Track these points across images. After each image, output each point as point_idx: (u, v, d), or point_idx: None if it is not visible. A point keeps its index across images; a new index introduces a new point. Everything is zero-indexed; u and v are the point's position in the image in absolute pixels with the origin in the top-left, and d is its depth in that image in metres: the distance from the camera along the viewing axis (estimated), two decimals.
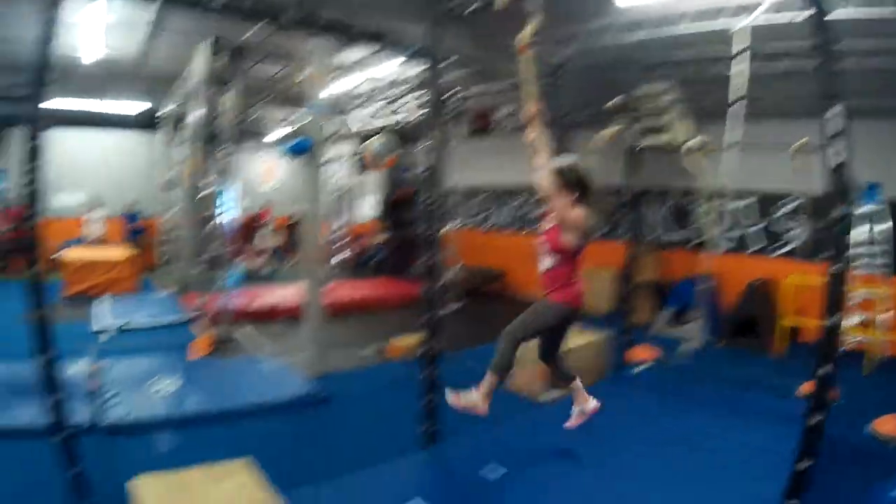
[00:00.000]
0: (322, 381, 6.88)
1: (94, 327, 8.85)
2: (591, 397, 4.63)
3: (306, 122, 7.47)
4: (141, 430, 5.30)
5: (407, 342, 8.19)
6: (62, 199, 15.59)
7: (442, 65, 5.02)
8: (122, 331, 8.72)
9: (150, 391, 6.13)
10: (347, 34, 5.42)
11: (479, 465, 4.68)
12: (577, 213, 3.98)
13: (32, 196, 3.43)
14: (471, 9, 4.85)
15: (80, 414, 4.86)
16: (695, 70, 9.25)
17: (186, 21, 10.40)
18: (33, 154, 3.48)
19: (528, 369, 6.43)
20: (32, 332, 3.44)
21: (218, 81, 8.88)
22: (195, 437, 5.27)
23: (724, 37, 7.01)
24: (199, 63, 8.81)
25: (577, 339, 6.85)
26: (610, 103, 6.67)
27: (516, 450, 5.08)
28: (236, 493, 3.50)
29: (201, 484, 3.56)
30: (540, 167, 4.17)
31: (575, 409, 4.64)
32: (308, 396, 6.39)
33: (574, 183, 4.03)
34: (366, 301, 11.85)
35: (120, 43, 11.64)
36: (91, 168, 16.77)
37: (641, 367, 7.50)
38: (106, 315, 9.50)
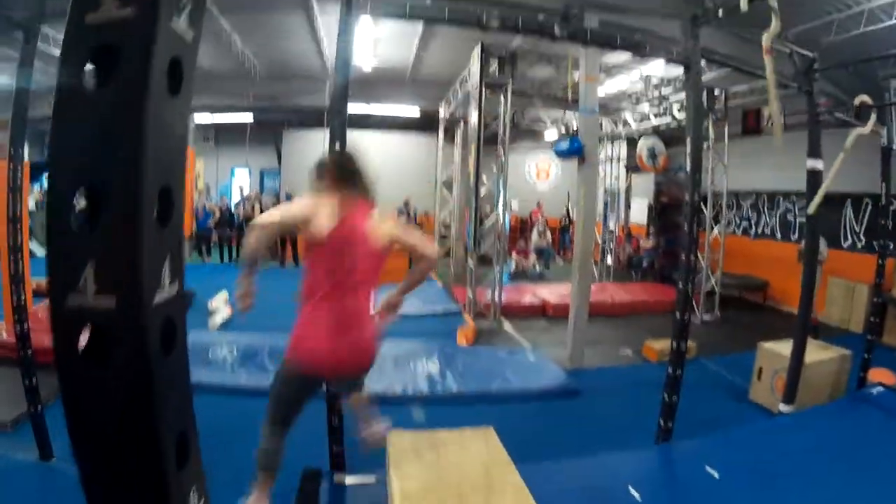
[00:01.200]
0: (576, 375, 7.08)
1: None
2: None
3: (580, 124, 7.61)
4: (403, 401, 5.86)
5: (663, 345, 7.99)
6: None
7: (700, 65, 4.85)
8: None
9: (416, 370, 6.72)
10: (611, 45, 5.40)
11: (703, 465, 4.53)
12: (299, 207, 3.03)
13: None
14: (723, 10, 4.63)
15: None
16: None
17: (454, 31, 11.16)
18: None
19: (763, 382, 6.41)
20: None
21: (491, 85, 9.31)
22: (450, 414, 5.62)
23: None
24: (474, 68, 9.26)
25: (817, 354, 6.34)
26: (856, 100, 6.00)
27: (742, 457, 4.78)
28: (478, 453, 3.78)
29: (448, 443, 3.87)
30: None
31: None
32: (560, 388, 6.56)
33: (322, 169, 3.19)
34: (630, 304, 11.71)
35: (392, 53, 12.73)
36: (370, 167, 18.11)
37: (881, 389, 6.66)
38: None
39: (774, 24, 3.78)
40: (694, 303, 10.87)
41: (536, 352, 7.79)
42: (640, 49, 5.78)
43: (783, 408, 5.87)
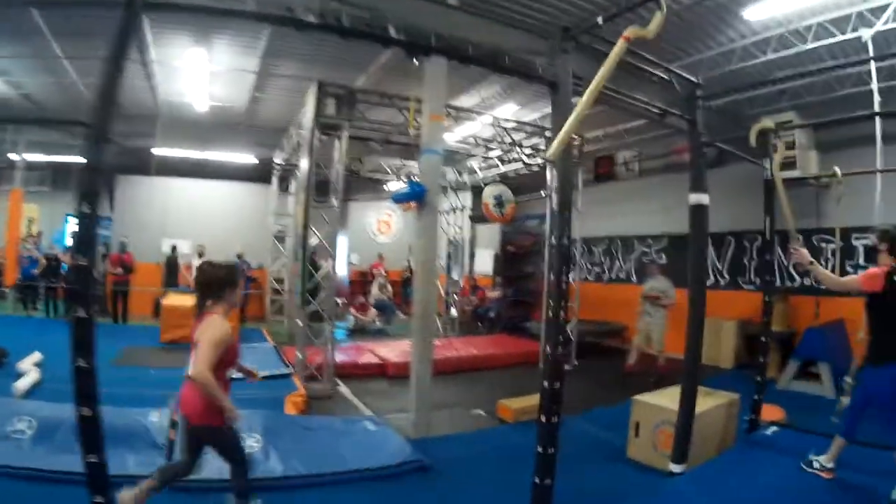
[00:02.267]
0: (423, 445, 6.20)
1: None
2: None
3: (422, 166, 6.94)
4: (216, 488, 4.67)
5: (520, 404, 7.48)
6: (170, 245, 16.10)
7: (570, 84, 4.31)
8: None
9: None
10: (466, 58, 4.78)
11: None
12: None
13: None
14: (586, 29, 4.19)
15: (151, 464, 4.53)
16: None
17: (292, 71, 10.47)
18: None
19: (643, 438, 5.94)
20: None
21: (326, 127, 8.56)
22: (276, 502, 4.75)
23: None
24: (308, 108, 8.48)
25: (704, 402, 5.88)
26: (755, 128, 5.78)
27: None
28: None
29: None
30: None
31: None
32: (405, 464, 5.66)
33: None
34: (478, 358, 11.11)
35: (227, 92, 11.86)
36: (202, 217, 17.09)
37: (776, 429, 6.46)
38: None
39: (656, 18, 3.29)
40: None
41: (376, 420, 6.85)
42: (500, 62, 5.16)
43: (675, 468, 5.34)
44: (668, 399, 6.01)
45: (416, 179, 6.91)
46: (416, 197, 6.70)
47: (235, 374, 4.50)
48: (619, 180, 14.59)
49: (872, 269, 4.83)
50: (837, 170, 5.90)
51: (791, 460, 5.37)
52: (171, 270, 15.31)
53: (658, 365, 9.62)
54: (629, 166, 14.44)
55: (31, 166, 15.92)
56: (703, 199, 5.45)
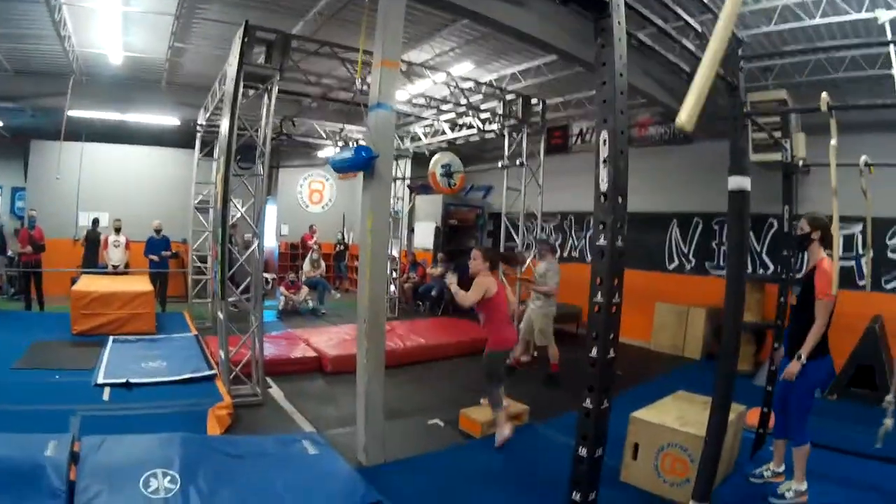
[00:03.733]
0: (376, 476, 5.00)
1: (97, 379, 6.99)
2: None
3: (372, 125, 5.47)
4: None
5: (486, 415, 6.33)
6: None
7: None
8: (128, 386, 6.87)
9: (143, 492, 4.10)
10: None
11: None
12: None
13: None
14: None
15: None
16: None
17: (220, 12, 8.91)
18: None
19: (643, 462, 5.12)
20: None
21: (253, 79, 7.11)
22: None
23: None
24: (233, 56, 6.97)
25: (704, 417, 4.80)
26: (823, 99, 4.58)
27: None
28: None
29: None
30: None
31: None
32: None
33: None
34: (427, 348, 9.88)
35: (145, 41, 10.27)
36: (119, 187, 15.38)
37: None
38: (115, 362, 7.78)
39: None
40: None
41: (316, 438, 5.57)
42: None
43: None
44: (671, 415, 5.16)
45: (363, 142, 5.43)
46: (363, 165, 5.34)
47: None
48: (573, 153, 13.52)
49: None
50: (866, 158, 4.83)
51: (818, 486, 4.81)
52: (91, 248, 13.47)
53: (548, 363, 8.70)
54: (584, 137, 13.35)
55: None
56: (745, 183, 4.23)
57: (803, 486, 4.68)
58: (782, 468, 5.00)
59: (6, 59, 11.29)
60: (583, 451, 3.23)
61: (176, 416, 5.98)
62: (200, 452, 4.78)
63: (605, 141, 3.16)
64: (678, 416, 5.14)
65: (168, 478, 4.23)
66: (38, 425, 4.90)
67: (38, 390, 6.56)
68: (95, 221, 13.92)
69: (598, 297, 3.14)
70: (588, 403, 3.19)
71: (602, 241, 3.17)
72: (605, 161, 3.15)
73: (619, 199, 3.14)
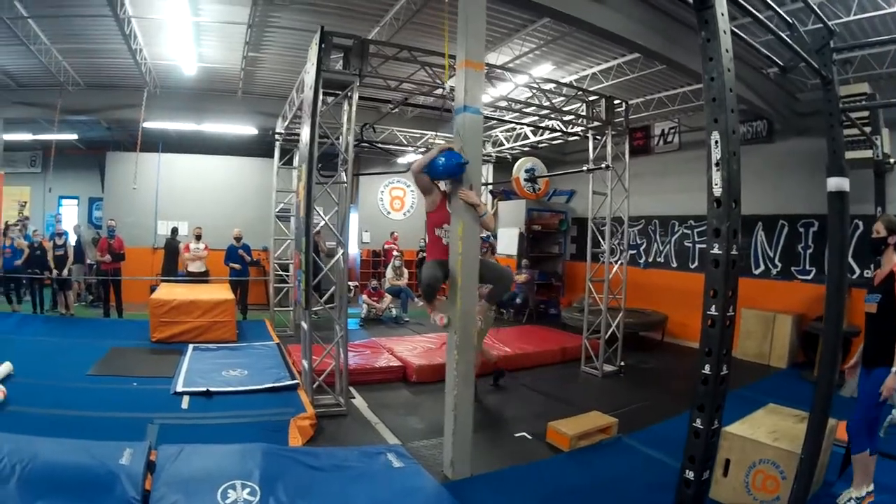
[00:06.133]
0: (462, 491, 4.78)
1: (176, 387, 7.05)
2: None
3: (460, 129, 5.18)
4: None
5: (577, 428, 6.05)
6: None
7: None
8: (207, 395, 6.87)
9: (221, 503, 4.05)
10: None
11: None
12: None
13: None
14: None
15: None
16: None
17: (293, 19, 8.87)
18: None
19: (733, 478, 4.77)
20: None
21: (332, 86, 6.98)
22: None
23: None
24: (311, 63, 6.85)
25: (797, 431, 4.61)
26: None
27: None
28: None
29: None
30: None
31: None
32: None
33: None
34: (513, 357, 9.58)
35: (218, 51, 10.39)
36: (198, 196, 15.65)
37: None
38: (194, 370, 7.85)
39: None
40: (592, 353, 9.35)
41: (401, 451, 5.41)
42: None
43: None
44: (763, 430, 4.91)
45: (456, 149, 5.14)
46: (454, 171, 5.10)
47: None
48: (654, 154, 13.20)
49: None
50: None
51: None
52: (170, 256, 13.74)
53: (494, 363, 8.43)
54: (666, 139, 12.98)
55: (9, 146, 14.58)
56: (845, 184, 3.96)
57: (863, 492, 4.42)
58: (865, 491, 4.60)
59: (79, 74, 11.62)
60: (690, 474, 3.12)
61: (256, 426, 5.95)
62: (281, 464, 4.71)
63: (716, 142, 3.05)
64: (770, 430, 4.90)
65: (247, 489, 4.19)
66: (114, 433, 4.92)
67: (115, 397, 6.60)
68: (174, 230, 14.18)
69: (713, 310, 3.01)
70: (699, 423, 3.07)
71: (717, 250, 3.00)
72: (717, 164, 3.02)
73: (734, 205, 2.98)
